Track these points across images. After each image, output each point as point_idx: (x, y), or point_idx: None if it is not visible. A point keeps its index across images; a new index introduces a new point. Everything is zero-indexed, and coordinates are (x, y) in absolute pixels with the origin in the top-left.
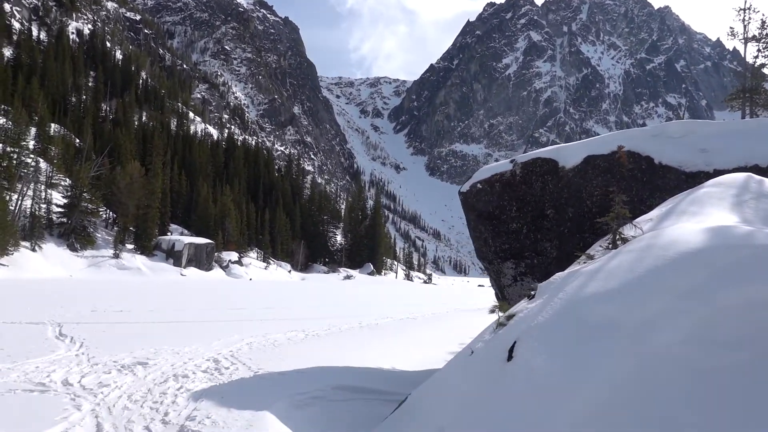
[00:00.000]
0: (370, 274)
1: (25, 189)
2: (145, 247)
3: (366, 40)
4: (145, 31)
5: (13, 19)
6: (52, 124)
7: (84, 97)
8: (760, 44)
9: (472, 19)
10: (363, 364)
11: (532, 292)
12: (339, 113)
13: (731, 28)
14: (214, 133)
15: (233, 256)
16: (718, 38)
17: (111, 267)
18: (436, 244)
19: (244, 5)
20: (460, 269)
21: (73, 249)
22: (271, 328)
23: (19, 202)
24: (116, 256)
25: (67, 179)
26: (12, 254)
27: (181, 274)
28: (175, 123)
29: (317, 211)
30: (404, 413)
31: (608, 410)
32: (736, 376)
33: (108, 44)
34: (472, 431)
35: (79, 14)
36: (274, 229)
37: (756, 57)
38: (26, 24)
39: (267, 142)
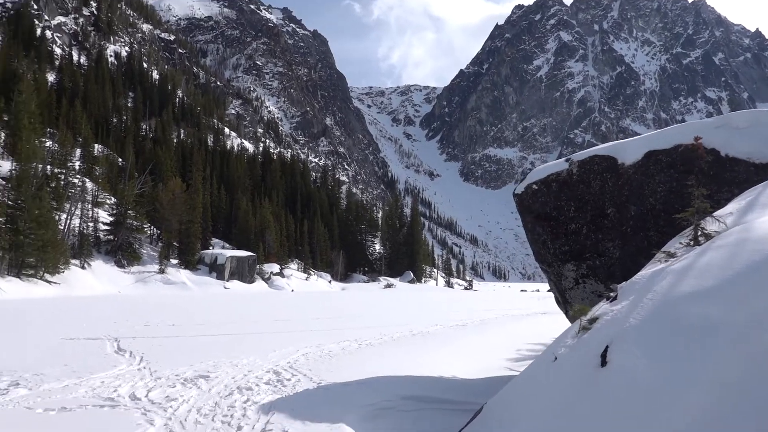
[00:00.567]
0: (410, 282)
1: (72, 208)
2: (189, 262)
3: (394, 48)
4: (179, 50)
5: (54, 45)
6: (96, 145)
7: (124, 117)
8: None
9: (501, 22)
10: (422, 373)
11: (612, 294)
12: (371, 123)
13: None
14: (249, 147)
15: (274, 267)
16: (757, 29)
17: (157, 282)
18: (473, 250)
19: (274, 20)
20: (499, 275)
21: (120, 265)
22: (323, 339)
23: (68, 221)
24: (162, 271)
25: (112, 198)
26: (63, 272)
27: (225, 287)
28: (211, 139)
29: (354, 220)
30: (482, 423)
31: (716, 415)
32: None
33: (145, 65)
34: None
35: (117, 37)
36: (313, 239)
37: None
38: (67, 49)
39: (301, 155)
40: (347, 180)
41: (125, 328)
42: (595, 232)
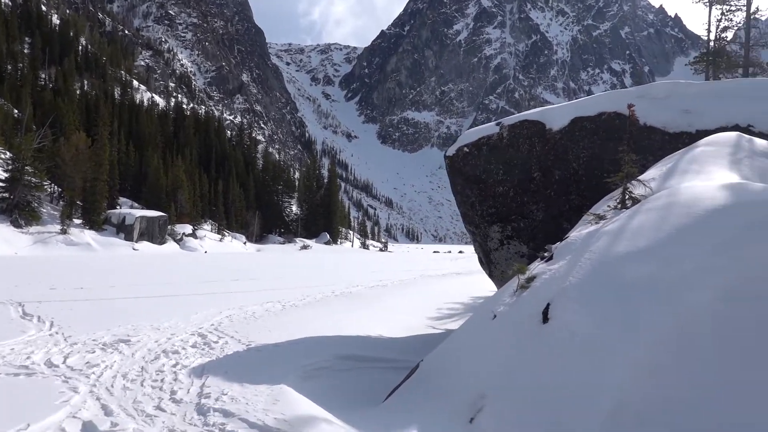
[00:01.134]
0: (326, 243)
1: None
2: (94, 222)
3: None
4: None
5: None
6: None
7: (20, 65)
8: (724, 7)
9: None
10: (351, 333)
11: (546, 254)
12: (289, 81)
13: None
14: (160, 102)
15: (187, 228)
16: (661, 5)
17: (59, 243)
18: (388, 212)
19: None
20: (412, 237)
21: (17, 225)
22: (245, 301)
23: None
24: (64, 231)
25: (7, 152)
26: None
27: (134, 249)
28: (119, 92)
29: (271, 181)
30: (421, 380)
31: (653, 370)
32: (764, 333)
33: (44, 8)
34: (518, 394)
35: None
36: (228, 200)
37: (719, 20)
38: None
39: (216, 112)
40: (264, 139)
41: (28, 291)
42: (521, 195)
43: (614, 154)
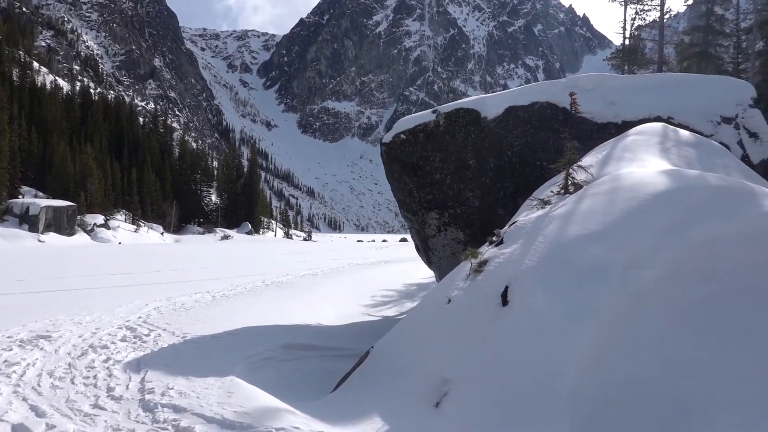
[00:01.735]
0: (248, 233)
1: None
2: None
3: None
4: None
5: None
6: None
7: None
8: (638, 6)
9: None
10: (289, 322)
11: (495, 238)
12: (204, 67)
13: None
14: (64, 85)
15: (99, 219)
16: (571, 5)
17: None
18: (310, 202)
19: None
20: (334, 226)
21: None
22: (171, 292)
23: None
24: None
25: None
26: None
27: (40, 240)
28: (17, 73)
29: (189, 170)
30: (374, 366)
31: (608, 349)
32: (707, 308)
33: None
34: (481, 377)
35: None
36: (143, 189)
37: (634, 19)
38: None
39: (126, 97)
40: (179, 127)
41: None
42: (457, 183)
43: (546, 143)
